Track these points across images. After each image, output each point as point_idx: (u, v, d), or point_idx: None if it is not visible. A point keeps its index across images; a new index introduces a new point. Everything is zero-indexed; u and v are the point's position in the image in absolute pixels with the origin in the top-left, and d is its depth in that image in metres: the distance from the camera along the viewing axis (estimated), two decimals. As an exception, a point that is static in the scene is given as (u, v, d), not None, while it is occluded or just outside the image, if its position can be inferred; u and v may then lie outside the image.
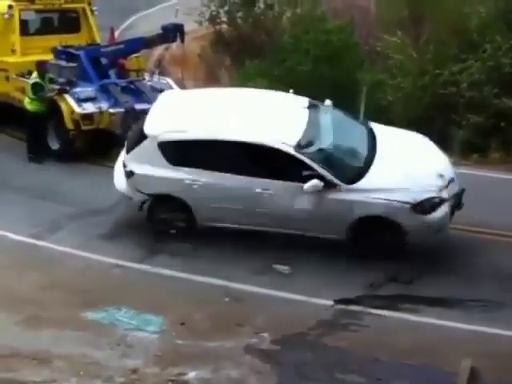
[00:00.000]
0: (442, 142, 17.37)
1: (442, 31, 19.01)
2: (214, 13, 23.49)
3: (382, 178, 10.93)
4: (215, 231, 11.61)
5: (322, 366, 8.58)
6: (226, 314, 9.69)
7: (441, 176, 11.19)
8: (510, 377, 8.66)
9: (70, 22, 16.32)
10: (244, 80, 19.95)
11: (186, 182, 11.23)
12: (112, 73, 15.43)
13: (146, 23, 23.23)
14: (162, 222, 11.63)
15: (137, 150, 11.57)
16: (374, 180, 10.89)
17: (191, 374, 8.37)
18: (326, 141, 11.31)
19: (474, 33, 18.38)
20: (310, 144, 11.08)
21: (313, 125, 11.45)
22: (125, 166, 11.68)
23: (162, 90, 15.31)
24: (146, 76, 15.92)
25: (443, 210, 10.95)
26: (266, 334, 9.16)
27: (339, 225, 10.90)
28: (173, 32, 15.45)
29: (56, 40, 15.68)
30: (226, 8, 23.48)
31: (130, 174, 11.59)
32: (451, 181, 11.26)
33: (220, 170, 11.10)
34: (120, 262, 10.91)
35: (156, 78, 15.82)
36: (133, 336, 9.08)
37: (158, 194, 11.44)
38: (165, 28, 15.52)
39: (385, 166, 11.15)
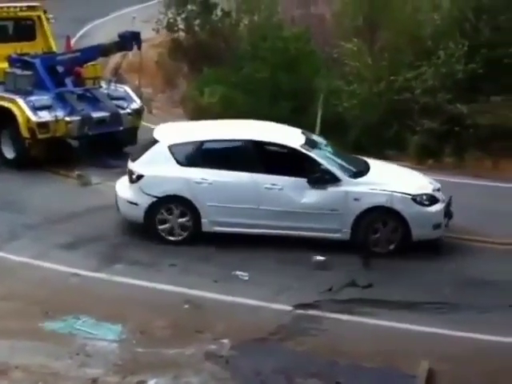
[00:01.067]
0: (398, 148, 17.67)
1: (397, 38, 19.25)
2: (171, 20, 23.48)
3: (381, 177, 12.01)
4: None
5: (282, 371, 8.62)
6: (185, 321, 9.68)
7: (431, 182, 12.24)
8: (467, 377, 8.79)
9: (25, 30, 16.15)
10: (202, 87, 20.01)
11: (195, 180, 11.55)
12: (68, 81, 15.29)
13: (102, 31, 23.12)
14: (164, 229, 11.68)
15: (146, 154, 12.00)
16: (375, 177, 11.91)
17: (151, 382, 8.34)
18: (324, 148, 12.30)
19: (428, 40, 18.65)
20: (314, 146, 12.10)
21: (309, 139, 12.37)
22: (132, 173, 11.90)
23: (119, 98, 15.37)
24: (103, 84, 15.85)
25: (438, 206, 11.85)
26: (225, 341, 9.17)
27: (345, 219, 11.41)
28: (130, 40, 15.39)
29: (11, 48, 15.52)
30: (184, 15, 23.48)
31: (138, 178, 11.77)
32: (439, 189, 12.18)
33: (228, 169, 11.64)
34: (78, 271, 10.82)
35: (113, 85, 15.76)
36: (92, 345, 9.01)
37: (166, 195, 11.60)
38: (122, 36, 15.45)
39: (381, 171, 12.36)
